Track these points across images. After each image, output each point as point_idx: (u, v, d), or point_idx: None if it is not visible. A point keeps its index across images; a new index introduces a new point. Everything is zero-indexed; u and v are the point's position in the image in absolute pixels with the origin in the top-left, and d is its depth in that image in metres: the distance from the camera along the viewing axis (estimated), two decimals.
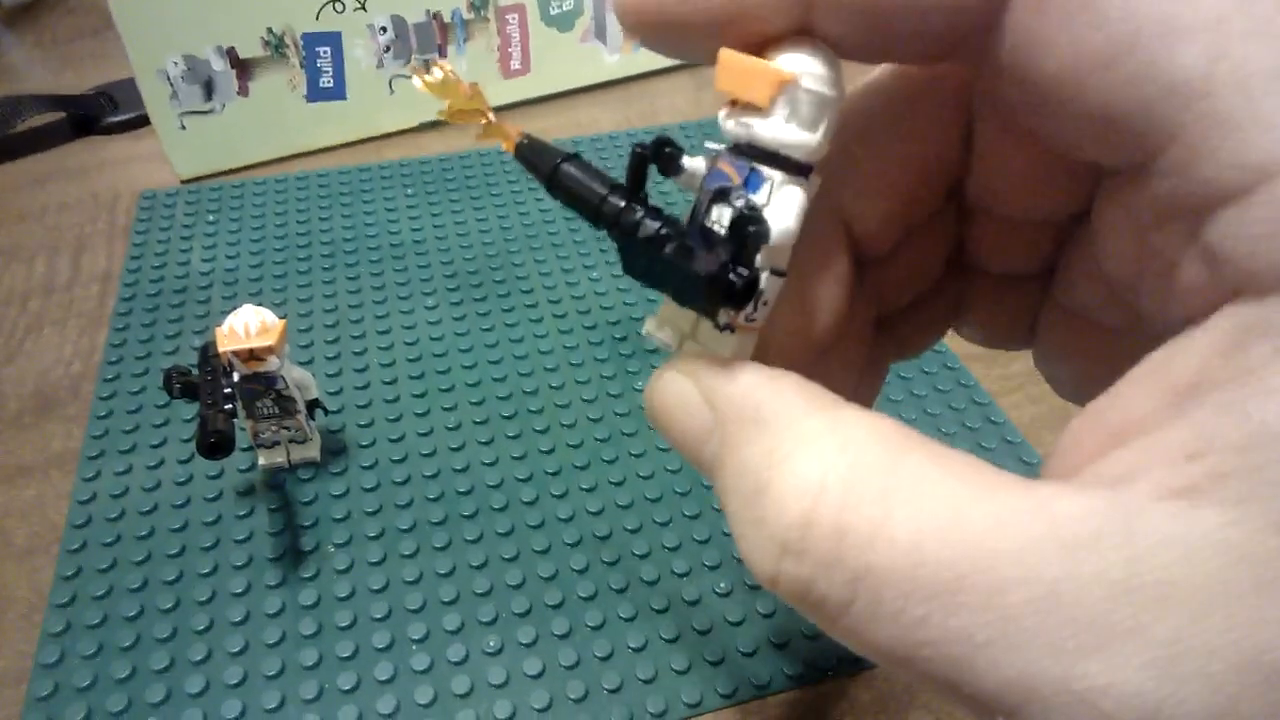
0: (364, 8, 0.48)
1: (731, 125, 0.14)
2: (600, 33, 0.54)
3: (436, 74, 0.16)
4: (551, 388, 0.36)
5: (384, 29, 0.49)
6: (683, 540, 0.30)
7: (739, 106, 0.14)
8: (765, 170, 0.14)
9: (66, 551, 0.30)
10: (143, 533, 0.31)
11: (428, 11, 0.49)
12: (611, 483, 0.32)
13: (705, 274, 0.14)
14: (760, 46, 0.14)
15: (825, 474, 0.12)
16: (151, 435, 0.34)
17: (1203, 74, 0.11)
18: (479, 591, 0.29)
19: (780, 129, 0.14)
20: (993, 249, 0.19)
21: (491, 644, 0.28)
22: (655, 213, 0.15)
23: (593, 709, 0.26)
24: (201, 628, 0.28)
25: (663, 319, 0.16)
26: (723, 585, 0.29)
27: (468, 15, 0.50)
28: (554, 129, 0.52)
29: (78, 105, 0.52)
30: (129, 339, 0.38)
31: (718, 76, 0.14)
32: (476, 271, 0.42)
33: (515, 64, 0.53)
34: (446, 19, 0.50)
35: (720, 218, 0.14)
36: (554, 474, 0.33)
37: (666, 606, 0.29)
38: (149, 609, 0.29)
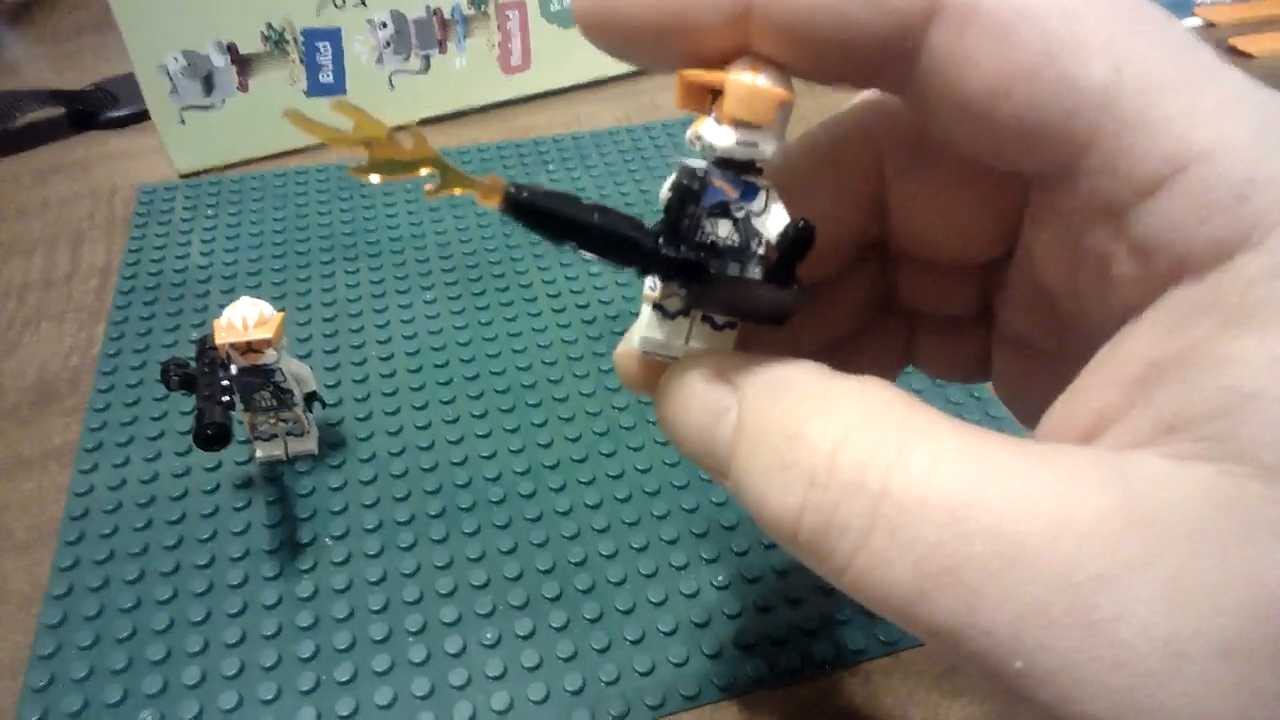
0: (364, 3, 0.48)
1: (732, 144, 0.15)
2: None
3: (341, 122, 0.13)
4: (549, 381, 0.36)
5: (384, 25, 0.49)
6: (680, 534, 0.30)
7: (740, 125, 0.14)
8: (757, 180, 0.15)
9: (64, 544, 0.30)
10: (140, 525, 0.31)
11: (428, 7, 0.49)
12: (609, 476, 0.32)
13: (801, 297, 0.15)
14: (711, 64, 0.15)
15: (850, 417, 0.13)
16: (149, 428, 0.34)
17: (1110, 83, 0.12)
18: (476, 584, 0.29)
19: (773, 144, 0.15)
20: (927, 295, 0.20)
21: (489, 636, 0.28)
22: (708, 245, 0.15)
23: (589, 701, 0.26)
24: (198, 619, 0.28)
25: (651, 335, 0.16)
26: (720, 579, 0.29)
27: (468, 11, 0.50)
28: (554, 125, 0.52)
29: (77, 100, 0.52)
30: (127, 332, 0.38)
31: (730, 105, 0.14)
32: (475, 266, 0.42)
33: (515, 60, 0.53)
34: (447, 15, 0.50)
35: (717, 229, 0.15)
36: (551, 468, 0.33)
37: (664, 599, 0.29)
38: (146, 601, 0.28)
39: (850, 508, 0.13)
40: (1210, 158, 0.12)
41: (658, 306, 0.16)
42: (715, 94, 0.15)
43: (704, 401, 0.15)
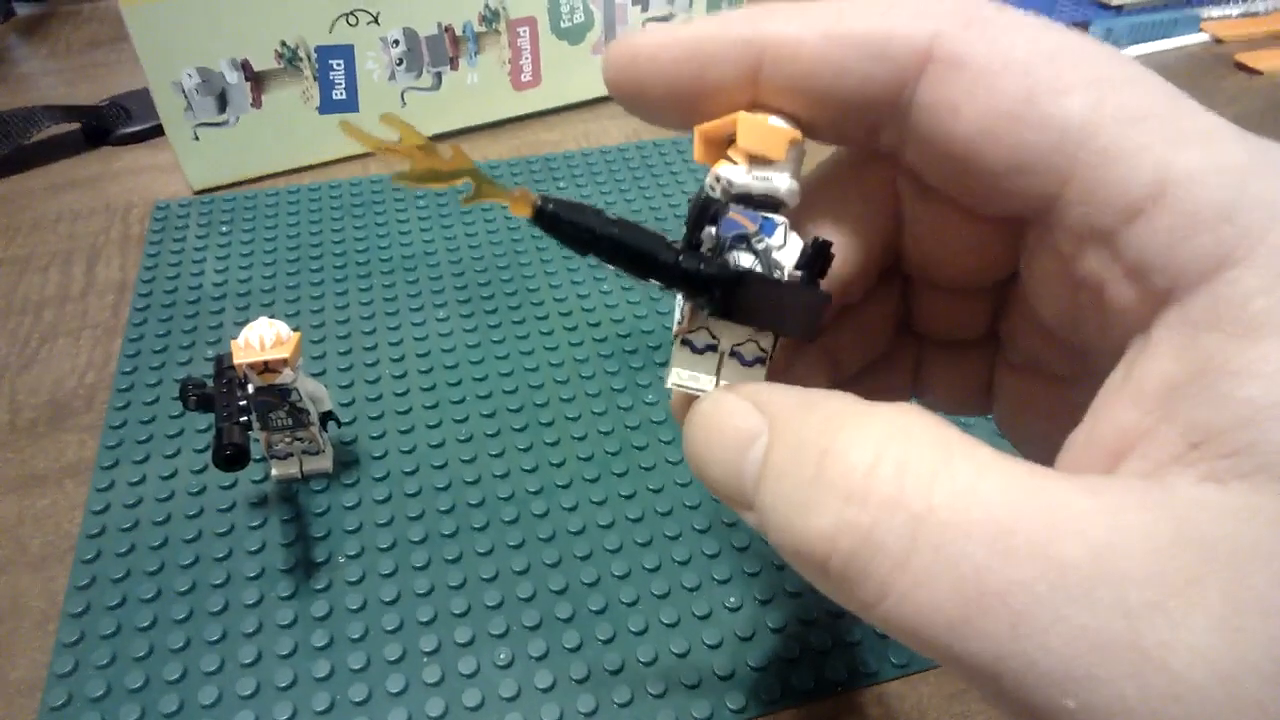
0: (376, 21, 0.48)
1: (750, 180, 0.15)
2: None
3: (386, 132, 0.14)
4: (562, 399, 0.36)
5: (396, 42, 0.49)
6: (692, 554, 0.31)
7: (754, 162, 0.15)
8: (775, 217, 0.16)
9: (80, 561, 0.30)
10: (156, 543, 0.31)
11: (439, 24, 0.50)
12: (622, 495, 0.32)
13: (823, 300, 0.15)
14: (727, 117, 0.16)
15: (886, 432, 0.13)
16: (165, 445, 0.34)
17: (1089, 118, 0.13)
18: (490, 604, 0.29)
19: (787, 180, 0.16)
20: (937, 318, 0.21)
21: (502, 657, 0.28)
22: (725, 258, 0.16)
23: None
24: (214, 638, 0.28)
25: (681, 370, 0.17)
26: (732, 600, 0.29)
27: (479, 28, 0.51)
28: (564, 141, 0.53)
29: (92, 116, 0.52)
30: (143, 349, 0.38)
31: (741, 136, 0.15)
32: (488, 283, 0.42)
33: (526, 76, 0.53)
34: (458, 32, 0.50)
35: (740, 260, 0.16)
36: (564, 487, 0.33)
37: (677, 621, 0.29)
38: (162, 619, 0.29)
39: (889, 525, 0.12)
40: (1190, 181, 0.12)
41: (685, 341, 0.16)
42: (730, 144, 0.16)
43: (733, 428, 0.15)
